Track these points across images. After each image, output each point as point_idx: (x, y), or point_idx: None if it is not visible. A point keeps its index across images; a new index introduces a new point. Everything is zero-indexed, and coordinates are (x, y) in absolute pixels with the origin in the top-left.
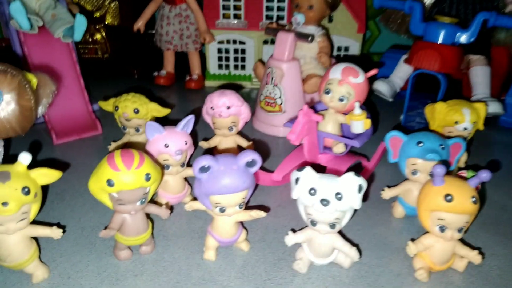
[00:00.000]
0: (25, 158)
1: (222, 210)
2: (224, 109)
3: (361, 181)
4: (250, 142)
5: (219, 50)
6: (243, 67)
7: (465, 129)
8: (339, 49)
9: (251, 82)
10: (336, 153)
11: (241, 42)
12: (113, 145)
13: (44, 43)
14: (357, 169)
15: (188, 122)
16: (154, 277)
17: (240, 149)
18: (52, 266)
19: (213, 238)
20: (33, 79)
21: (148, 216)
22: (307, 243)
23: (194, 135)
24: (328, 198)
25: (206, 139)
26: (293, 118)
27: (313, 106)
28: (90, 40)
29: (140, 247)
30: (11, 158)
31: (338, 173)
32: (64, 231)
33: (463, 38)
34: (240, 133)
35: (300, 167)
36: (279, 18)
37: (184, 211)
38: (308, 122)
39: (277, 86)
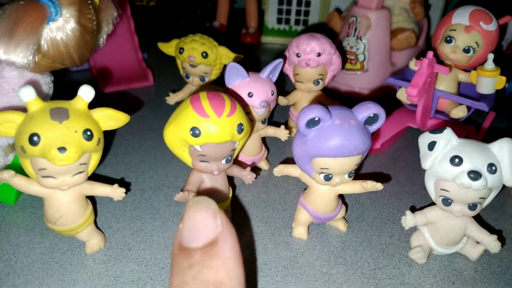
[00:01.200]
0: (87, 92)
1: (327, 178)
2: (313, 57)
3: None
4: (336, 102)
5: (281, 1)
6: (305, 22)
7: None
8: None
9: None
10: (454, 117)
11: None
12: (172, 96)
13: None
14: None
15: (275, 67)
16: None
17: None
18: (108, 233)
19: (307, 212)
20: None
21: (229, 180)
22: (428, 226)
23: None
24: (479, 170)
25: (285, 94)
26: (397, 72)
27: (402, 73)
28: None
29: None
30: None
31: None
32: (126, 191)
33: None
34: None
35: (436, 129)
36: None
37: (259, 177)
38: (431, 75)
39: (361, 39)
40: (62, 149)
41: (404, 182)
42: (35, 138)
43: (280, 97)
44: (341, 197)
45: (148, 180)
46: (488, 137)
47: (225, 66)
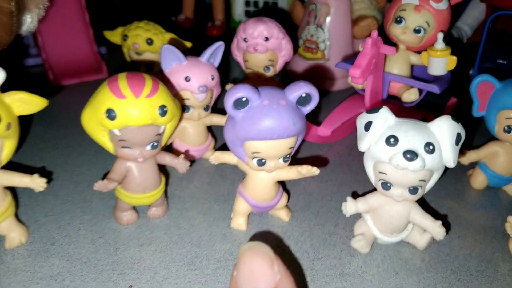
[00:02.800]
0: None
1: (261, 163)
2: (261, 41)
3: (460, 128)
4: (282, 84)
5: None
6: (273, 8)
7: None
8: None
9: None
10: (406, 101)
11: None
12: None
13: None
14: None
15: (215, 50)
16: (166, 248)
17: None
18: (33, 227)
19: (245, 201)
20: None
21: (161, 169)
22: (371, 213)
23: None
24: (415, 150)
25: (234, 82)
26: (348, 57)
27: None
28: None
29: (149, 208)
30: None
31: None
32: (48, 181)
33: None
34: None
35: (372, 109)
36: None
37: (205, 168)
38: (376, 55)
39: (321, 27)
40: None
41: (357, 171)
42: None
43: (229, 84)
44: (286, 185)
45: (85, 173)
46: None
47: None
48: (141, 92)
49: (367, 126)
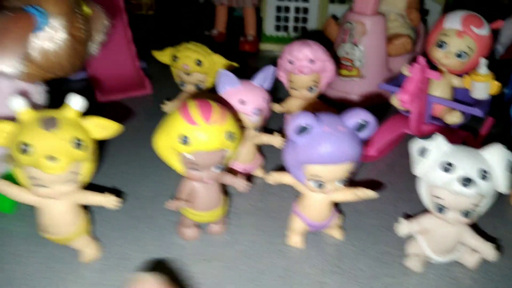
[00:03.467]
0: (75, 101)
1: (319, 185)
2: (306, 63)
3: (511, 156)
4: (332, 108)
5: (278, 9)
6: (303, 29)
7: None
8: None
9: None
10: (449, 123)
11: (304, 0)
12: (168, 104)
13: None
14: None
15: (267, 74)
16: (231, 264)
17: None
18: (104, 242)
19: (302, 220)
20: (86, 8)
21: (223, 188)
22: (424, 234)
23: None
24: (470, 176)
25: (279, 101)
26: (391, 79)
27: (396, 78)
28: None
29: (209, 225)
30: None
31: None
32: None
33: None
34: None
35: (427, 135)
36: None
37: (256, 186)
38: (423, 80)
39: (357, 46)
40: (51, 158)
41: (401, 189)
42: (25, 147)
43: (275, 104)
44: (338, 205)
45: (144, 189)
46: (487, 143)
47: None
48: (211, 119)
49: (422, 152)
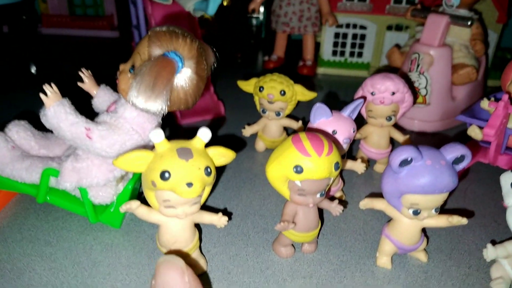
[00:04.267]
0: (205, 134)
1: (416, 213)
2: (388, 95)
3: None
4: (407, 136)
5: (336, 35)
6: (360, 54)
7: None
8: None
9: (367, 71)
10: None
11: (362, 27)
12: (248, 128)
13: (170, 16)
14: None
15: (356, 107)
16: (326, 282)
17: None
18: (207, 257)
19: (392, 243)
20: (206, 48)
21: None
22: (509, 258)
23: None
24: None
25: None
26: (467, 110)
27: (471, 110)
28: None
29: (302, 245)
30: None
31: None
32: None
33: None
34: None
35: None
36: (409, 2)
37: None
38: (505, 116)
39: (424, 75)
40: (189, 184)
41: (476, 215)
42: (166, 175)
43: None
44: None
45: (235, 208)
46: None
47: (298, 102)
48: (323, 151)
49: None
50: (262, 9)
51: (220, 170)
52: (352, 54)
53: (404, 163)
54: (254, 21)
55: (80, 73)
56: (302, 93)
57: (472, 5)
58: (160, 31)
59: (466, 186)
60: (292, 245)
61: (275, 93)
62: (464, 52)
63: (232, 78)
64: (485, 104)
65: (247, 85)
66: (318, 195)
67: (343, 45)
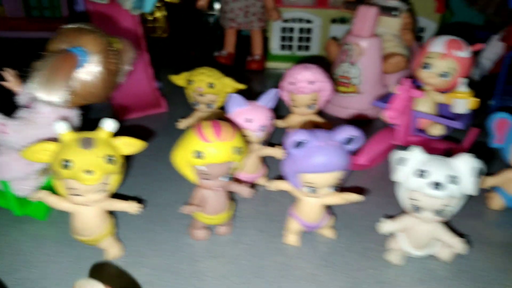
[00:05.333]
0: (109, 124)
1: (313, 191)
2: (306, 84)
3: (479, 163)
4: (328, 123)
5: (283, 30)
6: (307, 47)
7: None
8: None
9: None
10: (432, 135)
11: (308, 21)
12: (182, 121)
13: (111, 15)
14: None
15: (270, 96)
16: (234, 260)
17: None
18: (125, 243)
19: (297, 221)
20: (117, 43)
21: (230, 195)
22: (403, 232)
23: None
24: (441, 181)
25: (279, 117)
26: (383, 96)
27: (386, 96)
28: (150, 18)
29: (217, 227)
30: None
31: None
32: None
33: None
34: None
35: (406, 147)
36: None
37: (259, 193)
38: (408, 98)
39: (354, 65)
40: (88, 171)
41: (391, 194)
42: (66, 163)
43: (277, 120)
44: (331, 208)
45: (160, 197)
46: (473, 152)
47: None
48: (222, 136)
49: (402, 161)
50: (218, 6)
51: (152, 162)
52: (300, 47)
53: (298, 144)
54: (210, 18)
55: (4, 73)
56: (232, 85)
57: None
58: (68, 28)
59: (388, 169)
60: (208, 228)
61: (204, 86)
62: (395, 42)
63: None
64: (394, 88)
65: (179, 79)
66: (224, 179)
67: (291, 39)
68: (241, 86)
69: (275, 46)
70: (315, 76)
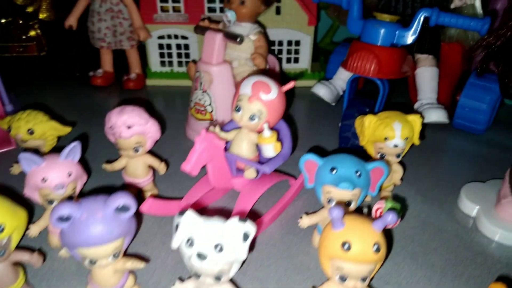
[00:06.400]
0: None
1: (92, 262)
2: (125, 129)
3: (247, 228)
4: (162, 163)
5: (160, 46)
6: (187, 63)
7: (396, 146)
8: (289, 43)
9: None
10: (248, 178)
11: (183, 37)
12: (15, 166)
13: None
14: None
15: (73, 149)
16: None
17: (152, 170)
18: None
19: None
20: None
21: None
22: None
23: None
24: (205, 252)
25: (109, 161)
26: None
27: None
28: (24, 37)
29: None
30: None
31: (248, 201)
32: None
33: (403, 38)
34: (152, 151)
35: (181, 211)
36: (223, 11)
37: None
38: (209, 149)
39: (206, 92)
40: None
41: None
42: None
43: (105, 165)
44: None
45: None
46: None
47: (59, 138)
48: None
49: (177, 227)
50: None
51: None
52: (180, 63)
53: (61, 219)
54: None
55: None
56: (56, 129)
57: (254, 18)
58: None
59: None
60: None
61: (22, 133)
62: (250, 66)
63: (67, 95)
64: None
65: (3, 124)
66: None
67: (170, 55)
68: (66, 130)
69: (154, 63)
70: (132, 120)
